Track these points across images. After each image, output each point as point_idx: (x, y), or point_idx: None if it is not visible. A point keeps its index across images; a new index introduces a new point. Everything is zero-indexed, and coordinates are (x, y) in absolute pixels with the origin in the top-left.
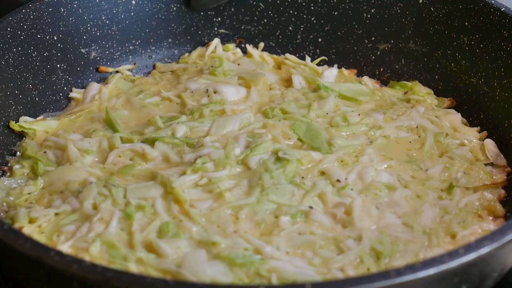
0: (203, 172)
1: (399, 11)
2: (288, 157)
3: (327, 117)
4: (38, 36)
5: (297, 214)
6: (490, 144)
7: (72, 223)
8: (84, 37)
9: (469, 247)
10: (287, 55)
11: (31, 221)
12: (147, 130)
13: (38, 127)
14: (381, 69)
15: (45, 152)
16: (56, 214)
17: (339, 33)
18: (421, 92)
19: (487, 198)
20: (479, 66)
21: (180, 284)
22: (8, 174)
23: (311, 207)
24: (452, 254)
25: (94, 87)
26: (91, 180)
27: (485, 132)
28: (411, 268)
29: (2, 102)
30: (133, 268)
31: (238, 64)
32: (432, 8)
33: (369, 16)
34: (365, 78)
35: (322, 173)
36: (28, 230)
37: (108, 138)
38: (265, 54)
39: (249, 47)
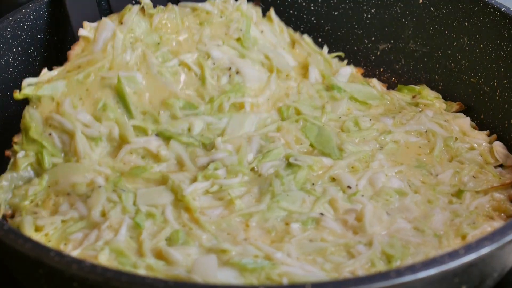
0: (214, 179)
1: (399, 11)
2: (300, 163)
3: (339, 121)
4: (38, 36)
5: (308, 221)
6: (498, 145)
7: (79, 231)
8: None
9: (469, 247)
10: (305, 36)
11: (38, 229)
12: (163, 116)
13: (44, 92)
14: (381, 69)
15: (50, 134)
16: (63, 221)
17: (339, 33)
18: (429, 96)
19: (498, 199)
20: (479, 66)
21: (180, 284)
22: (11, 160)
23: (322, 214)
24: (452, 255)
25: (107, 27)
26: (99, 183)
27: (494, 136)
28: (411, 268)
29: (2, 102)
30: (142, 273)
31: (261, 31)
32: (432, 8)
33: (369, 16)
34: (374, 81)
35: (333, 179)
36: (35, 239)
37: (120, 125)
38: (284, 27)
39: (272, 13)
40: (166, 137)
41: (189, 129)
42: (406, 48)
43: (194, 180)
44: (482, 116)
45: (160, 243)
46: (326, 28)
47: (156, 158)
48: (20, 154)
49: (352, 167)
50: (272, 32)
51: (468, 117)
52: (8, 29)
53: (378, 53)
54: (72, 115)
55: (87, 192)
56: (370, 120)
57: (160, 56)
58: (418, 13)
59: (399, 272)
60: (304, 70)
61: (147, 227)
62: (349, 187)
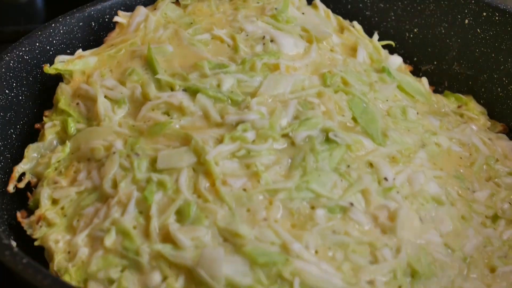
0: (242, 143)
1: (443, 31)
2: (339, 140)
3: (386, 103)
4: (68, 51)
5: (335, 209)
6: None
7: (92, 204)
8: None
9: None
10: (355, 23)
11: (54, 202)
12: (192, 76)
13: (75, 67)
14: None
15: (77, 103)
16: (78, 193)
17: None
18: (475, 109)
19: None
20: None
21: None
22: (40, 132)
23: (351, 204)
24: None
25: (141, 12)
26: (116, 147)
27: None
28: None
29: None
30: (145, 262)
31: (303, 13)
32: (478, 30)
33: (411, 35)
34: (424, 79)
35: (370, 165)
36: (51, 214)
37: (142, 85)
38: (330, 13)
39: (317, 0)
40: (193, 92)
41: (218, 85)
42: (450, 70)
43: (220, 140)
44: None
45: (169, 219)
46: None
47: (180, 111)
48: (49, 124)
49: (393, 157)
50: (316, 16)
51: (511, 141)
52: (37, 44)
53: (420, 74)
54: (98, 82)
55: (104, 157)
56: (417, 114)
57: (192, 31)
58: (464, 34)
59: None
60: (352, 51)
61: (157, 201)
62: (385, 179)
